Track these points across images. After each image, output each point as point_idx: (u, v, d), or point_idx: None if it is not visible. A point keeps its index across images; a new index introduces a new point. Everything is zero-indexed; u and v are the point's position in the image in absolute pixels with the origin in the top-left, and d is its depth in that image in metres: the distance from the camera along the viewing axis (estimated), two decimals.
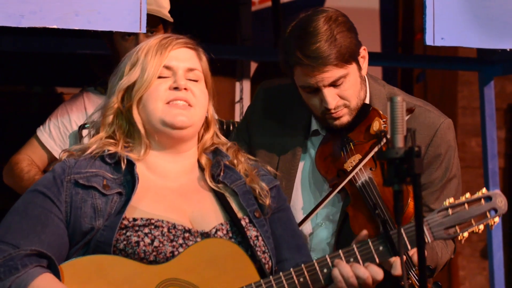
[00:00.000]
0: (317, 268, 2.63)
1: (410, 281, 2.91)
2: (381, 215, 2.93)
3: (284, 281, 2.60)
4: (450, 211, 2.68)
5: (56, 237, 2.59)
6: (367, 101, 3.19)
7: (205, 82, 2.79)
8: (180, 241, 2.61)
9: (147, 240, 2.58)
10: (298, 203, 3.16)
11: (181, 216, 2.67)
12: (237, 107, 5.56)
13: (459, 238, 2.69)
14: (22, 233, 2.57)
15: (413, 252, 2.85)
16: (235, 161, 2.81)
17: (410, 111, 3.13)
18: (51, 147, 3.87)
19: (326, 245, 3.17)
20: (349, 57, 3.04)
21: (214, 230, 2.67)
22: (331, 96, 3.05)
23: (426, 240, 2.64)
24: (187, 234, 2.63)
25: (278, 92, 3.34)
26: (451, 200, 2.70)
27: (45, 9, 2.78)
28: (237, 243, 2.66)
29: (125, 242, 2.57)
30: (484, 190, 2.72)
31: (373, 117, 3.11)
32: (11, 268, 2.51)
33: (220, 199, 2.74)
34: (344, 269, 2.61)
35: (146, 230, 2.59)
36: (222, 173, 2.77)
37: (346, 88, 3.07)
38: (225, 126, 3.88)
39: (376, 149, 3.02)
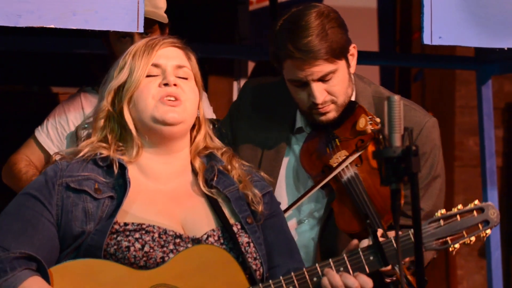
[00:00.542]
0: (307, 276, 2.63)
1: (395, 278, 2.92)
2: (371, 225, 2.92)
3: None
4: (442, 222, 2.67)
5: (46, 240, 2.58)
6: (353, 99, 3.20)
7: (195, 81, 2.78)
8: (171, 246, 2.60)
9: (138, 245, 2.57)
10: (282, 200, 3.14)
11: (173, 221, 2.66)
12: None
13: (450, 250, 2.68)
14: (13, 235, 2.56)
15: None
16: (229, 167, 2.80)
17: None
18: (48, 147, 3.86)
19: (310, 241, 3.17)
20: (339, 52, 3.05)
21: (205, 236, 2.66)
22: (319, 91, 3.06)
23: None
24: (178, 240, 2.62)
25: (263, 89, 3.35)
26: (443, 211, 2.69)
27: (42, 8, 2.78)
28: (228, 250, 2.65)
29: (115, 247, 2.57)
30: (476, 201, 2.70)
31: (359, 114, 3.12)
32: (0, 271, 2.50)
33: (213, 204, 2.73)
34: (334, 279, 2.61)
35: (137, 235, 2.58)
36: (215, 178, 2.76)
37: (335, 83, 3.08)
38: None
39: (367, 146, 3.04)
